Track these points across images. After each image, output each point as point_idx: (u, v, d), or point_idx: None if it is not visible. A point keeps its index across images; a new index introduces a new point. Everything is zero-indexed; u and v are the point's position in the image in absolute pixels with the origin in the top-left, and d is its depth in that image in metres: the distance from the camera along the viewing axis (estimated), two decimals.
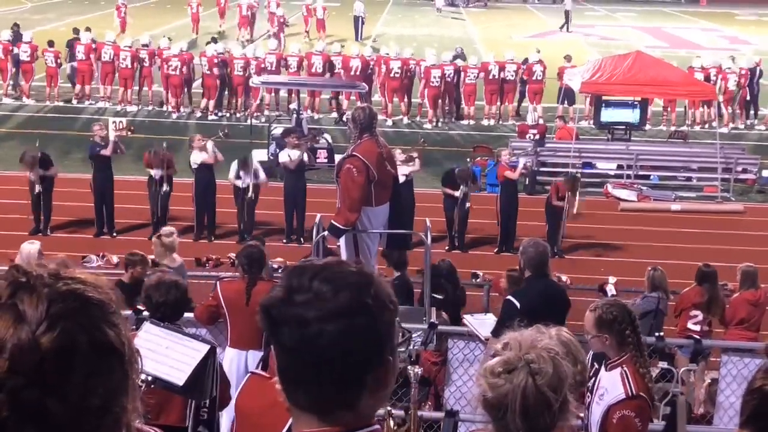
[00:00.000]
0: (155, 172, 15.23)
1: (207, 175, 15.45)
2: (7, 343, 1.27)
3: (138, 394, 1.39)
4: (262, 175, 15.53)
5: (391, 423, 4.01)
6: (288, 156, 15.73)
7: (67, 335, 1.29)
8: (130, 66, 23.89)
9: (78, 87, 24.68)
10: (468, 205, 15.47)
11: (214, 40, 26.07)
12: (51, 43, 24.60)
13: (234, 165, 15.46)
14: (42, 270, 1.35)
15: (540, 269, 7.33)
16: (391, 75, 23.53)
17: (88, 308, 1.33)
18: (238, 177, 15.32)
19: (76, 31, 26.26)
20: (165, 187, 15.20)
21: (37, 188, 15.17)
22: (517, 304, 7.13)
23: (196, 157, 15.40)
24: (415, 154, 15.85)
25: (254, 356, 7.49)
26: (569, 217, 15.45)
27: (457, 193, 15.42)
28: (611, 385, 4.92)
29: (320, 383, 1.66)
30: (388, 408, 3.82)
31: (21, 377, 1.26)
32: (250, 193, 15.25)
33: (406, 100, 23.99)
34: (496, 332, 7.43)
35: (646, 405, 4.94)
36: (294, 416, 1.73)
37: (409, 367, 4.86)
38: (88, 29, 25.80)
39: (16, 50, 24.43)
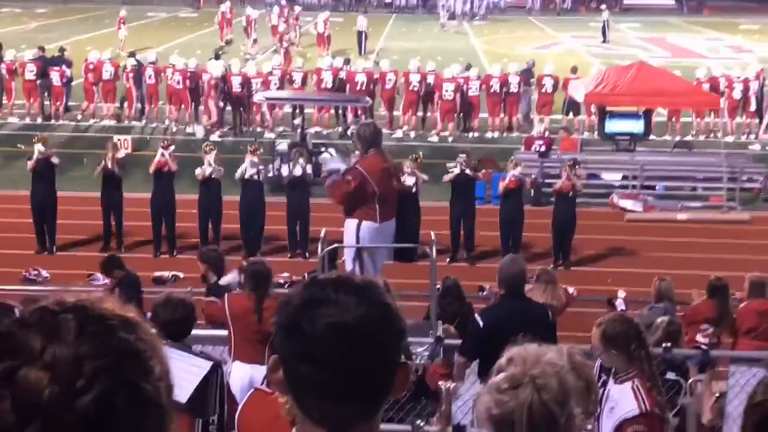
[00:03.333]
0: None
1: (211, 189, 15.54)
2: (42, 408, 1.18)
3: (175, 429, 1.32)
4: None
5: None
6: (288, 169, 15.87)
7: (105, 396, 1.20)
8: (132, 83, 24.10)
9: (84, 104, 24.83)
10: (473, 172, 15.61)
11: (217, 57, 26.20)
12: (56, 62, 24.75)
13: (246, 162, 15.62)
14: (71, 312, 1.25)
15: (513, 289, 6.94)
16: (410, 88, 23.62)
17: (125, 362, 1.24)
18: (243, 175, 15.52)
19: (59, 49, 26.47)
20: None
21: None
22: (481, 323, 6.90)
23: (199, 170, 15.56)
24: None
25: (259, 370, 7.50)
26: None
27: (454, 167, 15.50)
28: (622, 399, 4.88)
29: (351, 395, 1.64)
30: (418, 422, 3.79)
31: None
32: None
33: (419, 114, 24.10)
34: (462, 350, 7.35)
35: (659, 421, 4.91)
36: None
37: (440, 383, 4.79)
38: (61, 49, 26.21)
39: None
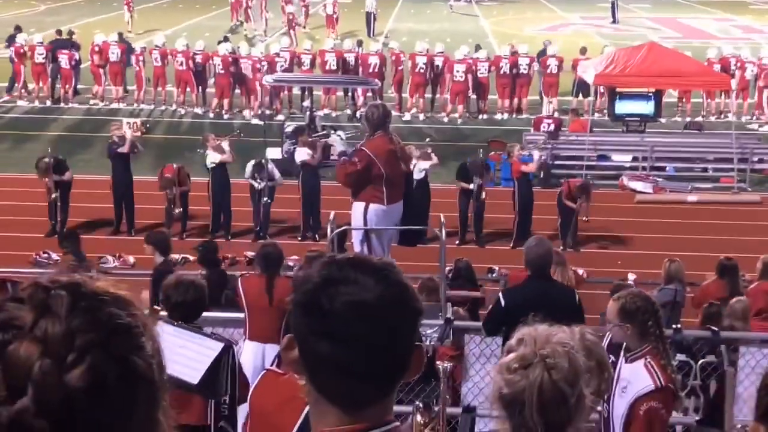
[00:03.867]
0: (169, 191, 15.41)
1: (222, 174, 15.57)
2: (32, 381, 1.18)
3: (167, 407, 1.32)
4: (277, 175, 15.59)
5: (419, 418, 3.93)
6: (307, 154, 15.82)
7: (95, 370, 1.20)
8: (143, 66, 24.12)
9: (95, 87, 24.87)
10: (483, 196, 15.49)
11: (226, 39, 26.15)
12: (64, 45, 24.78)
13: (249, 165, 15.52)
14: (64, 289, 1.25)
15: (539, 270, 6.94)
16: (417, 70, 23.52)
17: (116, 337, 1.24)
18: (253, 178, 15.40)
19: (68, 32, 26.47)
20: (178, 210, 15.37)
21: (54, 194, 15.26)
22: (503, 302, 6.96)
23: (213, 157, 15.51)
24: (429, 149, 15.89)
25: (272, 349, 7.55)
26: (580, 219, 15.48)
27: (471, 186, 15.45)
28: (635, 377, 4.87)
29: (368, 374, 1.65)
30: (417, 403, 3.78)
31: (47, 420, 1.18)
32: (265, 198, 15.26)
33: (426, 95, 24.03)
34: (485, 327, 7.42)
35: (672, 396, 4.92)
36: (318, 412, 1.70)
37: (437, 362, 4.80)
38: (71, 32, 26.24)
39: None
